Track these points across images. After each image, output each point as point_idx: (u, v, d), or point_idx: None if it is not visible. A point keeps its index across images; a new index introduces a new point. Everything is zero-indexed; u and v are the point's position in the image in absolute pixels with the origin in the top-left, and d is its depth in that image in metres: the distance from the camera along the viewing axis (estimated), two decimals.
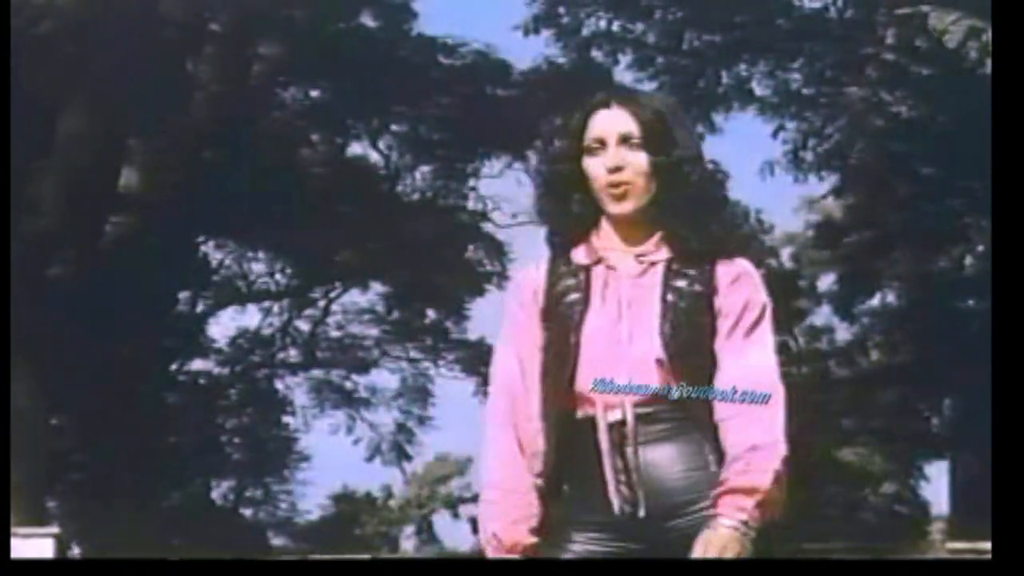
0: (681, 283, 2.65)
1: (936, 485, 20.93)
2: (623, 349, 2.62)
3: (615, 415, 2.61)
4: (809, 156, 17.29)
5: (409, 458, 20.93)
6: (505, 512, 2.66)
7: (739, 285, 2.67)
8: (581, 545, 2.62)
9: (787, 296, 19.28)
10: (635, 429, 2.59)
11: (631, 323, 2.64)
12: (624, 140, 2.67)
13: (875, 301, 20.03)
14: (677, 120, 2.70)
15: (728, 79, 16.64)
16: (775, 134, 16.93)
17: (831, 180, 18.19)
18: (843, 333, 20.97)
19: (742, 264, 2.70)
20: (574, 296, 2.69)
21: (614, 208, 2.67)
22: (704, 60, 16.40)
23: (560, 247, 2.75)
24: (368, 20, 17.20)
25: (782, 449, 2.56)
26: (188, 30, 15.75)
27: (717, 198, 2.79)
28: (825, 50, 16.38)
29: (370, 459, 20.44)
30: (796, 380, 17.79)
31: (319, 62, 16.71)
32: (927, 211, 17.04)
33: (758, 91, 16.79)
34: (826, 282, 21.01)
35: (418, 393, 20.18)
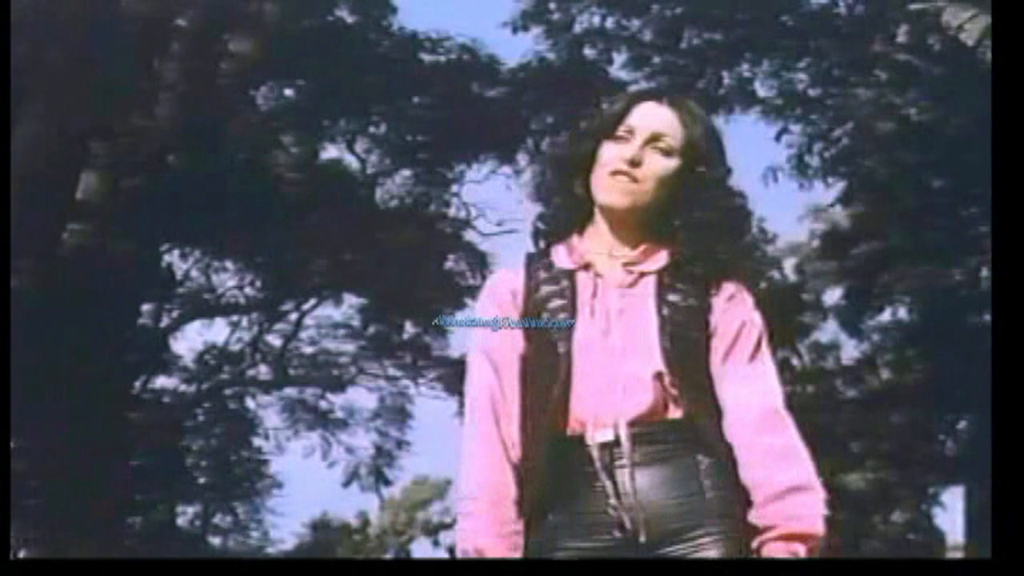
0: (675, 297, 2.67)
1: (951, 512, 21.00)
2: (616, 363, 2.62)
3: (607, 434, 2.60)
4: (815, 161, 17.23)
5: (388, 483, 21.10)
6: (488, 526, 2.64)
7: (734, 304, 2.70)
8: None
9: (790, 310, 19.47)
10: (631, 450, 2.58)
11: (623, 336, 2.64)
12: (654, 139, 2.70)
13: (885, 316, 20.03)
14: (719, 143, 2.75)
15: (729, 79, 16.60)
16: (778, 137, 16.93)
17: (838, 187, 18.16)
18: (851, 350, 21.00)
19: (735, 284, 2.72)
20: (557, 303, 2.68)
21: (606, 197, 2.69)
22: (704, 59, 16.35)
23: (545, 238, 2.76)
24: (345, 14, 17.17)
25: (822, 491, 2.59)
26: (153, 26, 15.67)
27: (741, 230, 2.82)
28: (832, 49, 16.32)
29: (347, 484, 20.49)
30: (800, 400, 18.02)
31: (293, 60, 16.65)
32: (940, 220, 17.07)
33: (761, 92, 16.75)
34: (832, 296, 21.01)
35: (397, 414, 20.14)
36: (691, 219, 2.69)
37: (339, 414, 20.20)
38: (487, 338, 2.72)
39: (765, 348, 2.70)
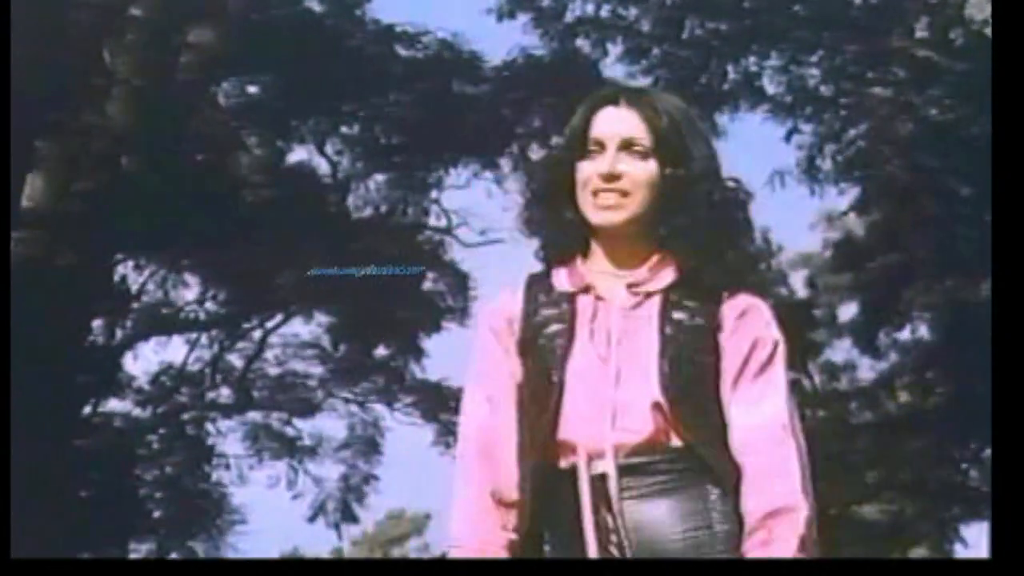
0: (680, 315, 2.70)
1: (975, 549, 20.93)
2: (612, 390, 2.65)
3: (604, 465, 2.63)
4: (827, 164, 17.20)
5: (356, 520, 20.92)
6: None
7: (747, 320, 2.72)
8: None
9: (800, 328, 19.40)
10: (619, 483, 2.60)
11: (620, 361, 2.67)
12: (627, 145, 2.73)
13: (904, 334, 20.03)
14: (695, 129, 2.79)
15: (735, 74, 16.56)
16: (788, 138, 16.89)
17: (852, 193, 18.10)
18: (866, 371, 20.98)
19: (749, 297, 2.75)
20: (556, 327, 2.72)
21: (598, 218, 2.72)
22: (708, 52, 16.32)
23: (550, 262, 2.81)
24: (315, 4, 17.19)
25: (805, 510, 2.58)
26: (105, 14, 15.70)
27: (739, 223, 2.83)
28: (847, 42, 16.34)
29: (312, 519, 20.33)
30: (811, 425, 17.77)
31: (257, 53, 16.62)
32: (965, 229, 16.99)
33: (769, 88, 16.74)
34: (847, 312, 21.01)
35: (369, 442, 20.15)
36: (687, 222, 2.72)
37: (307, 441, 20.20)
38: (482, 369, 2.79)
39: (779, 365, 2.71)
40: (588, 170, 2.74)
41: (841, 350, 21.56)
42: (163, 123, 16.59)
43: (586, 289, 2.75)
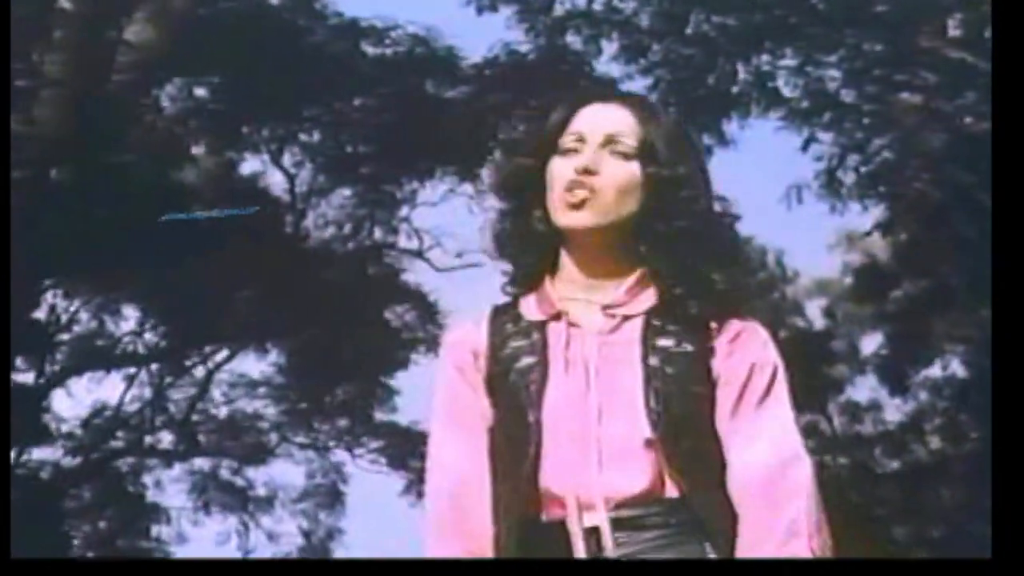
0: (666, 342, 2.69)
1: None
2: (596, 428, 2.63)
3: (592, 518, 2.61)
4: (849, 178, 17.11)
5: None
6: None
7: (742, 343, 2.72)
8: None
9: (818, 363, 19.68)
10: (613, 537, 2.60)
11: (601, 395, 2.66)
12: (609, 141, 2.75)
13: (935, 371, 20.24)
14: (688, 141, 2.82)
15: (745, 74, 16.50)
16: (805, 148, 16.77)
17: (877, 211, 17.99)
18: (893, 412, 21.16)
19: (740, 320, 2.75)
20: (527, 361, 2.72)
21: (565, 219, 2.72)
22: (714, 50, 16.25)
23: (516, 287, 2.82)
24: None
25: (802, 548, 2.58)
26: (30, 6, 15.47)
27: (726, 243, 2.83)
28: (871, 41, 16.27)
29: None
30: (831, 473, 18.83)
31: (205, 51, 16.46)
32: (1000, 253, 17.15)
33: (784, 92, 16.65)
34: (870, 345, 21.20)
35: (331, 492, 20.24)
36: (668, 233, 2.71)
37: (260, 492, 20.29)
38: (449, 410, 2.77)
39: (781, 391, 2.70)
40: (562, 166, 2.76)
41: (864, 388, 21.69)
42: (98, 130, 16.39)
43: (557, 316, 2.75)
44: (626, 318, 2.73)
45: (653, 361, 2.67)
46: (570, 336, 2.72)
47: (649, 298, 2.75)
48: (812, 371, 18.86)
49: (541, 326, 2.75)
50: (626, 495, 2.61)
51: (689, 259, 2.72)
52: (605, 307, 2.73)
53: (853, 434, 21.20)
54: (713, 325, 2.72)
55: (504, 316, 2.80)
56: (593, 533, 2.60)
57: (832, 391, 20.99)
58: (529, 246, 2.81)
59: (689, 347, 2.68)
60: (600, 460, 2.62)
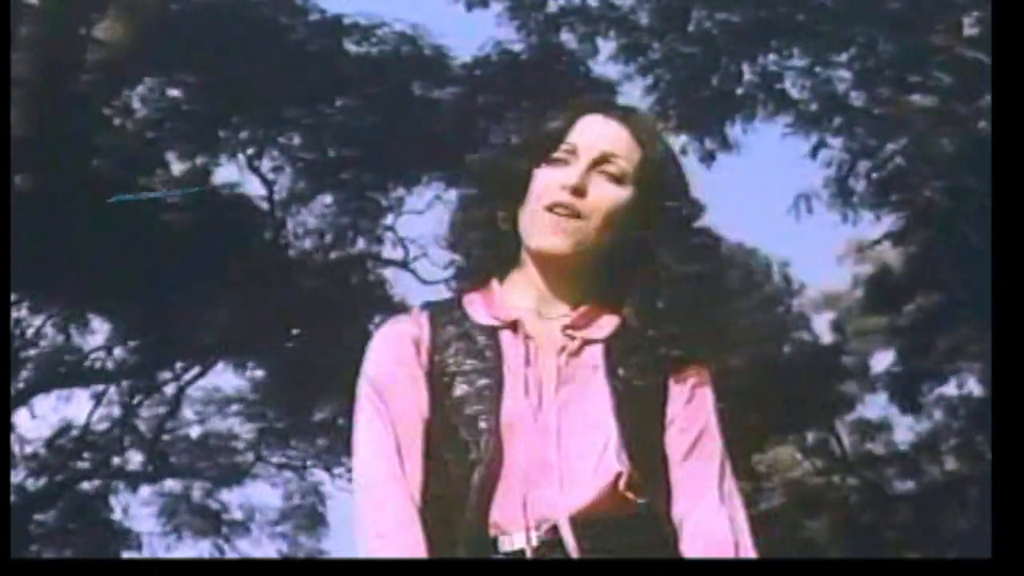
0: (626, 373, 2.72)
1: None
2: (551, 451, 2.64)
3: (546, 536, 2.62)
4: (860, 185, 17.26)
5: None
6: None
7: (698, 392, 2.75)
8: None
9: (826, 380, 19.68)
10: (584, 553, 2.61)
11: (562, 418, 2.67)
12: (602, 160, 2.74)
13: (949, 388, 20.39)
14: (677, 164, 2.83)
15: (750, 75, 16.71)
16: (814, 154, 16.91)
17: (889, 220, 18.15)
18: (905, 431, 21.38)
19: (698, 370, 2.77)
20: (473, 364, 2.72)
21: (540, 240, 2.72)
22: (717, 49, 16.40)
23: (462, 283, 2.84)
24: None
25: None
26: None
27: (706, 288, 2.82)
28: (882, 40, 16.30)
29: None
30: (840, 495, 19.15)
31: (178, 49, 16.50)
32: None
33: (792, 94, 16.78)
34: (881, 361, 21.30)
35: (310, 513, 20.29)
36: (642, 271, 2.75)
37: (236, 515, 20.34)
38: (380, 388, 2.72)
39: (727, 463, 2.74)
40: (549, 178, 2.73)
41: (875, 406, 21.91)
42: (65, 133, 16.44)
43: (511, 325, 2.74)
44: (587, 342, 2.73)
45: (619, 389, 2.69)
46: (528, 351, 2.72)
47: (609, 323, 2.76)
48: (820, 388, 18.97)
49: (491, 332, 2.74)
50: (581, 508, 2.62)
51: (665, 302, 2.74)
52: (565, 327, 2.73)
53: (864, 453, 21.40)
54: (671, 372, 2.74)
55: (445, 314, 2.79)
56: (550, 546, 2.60)
57: (841, 409, 21.11)
58: (488, 242, 2.81)
59: (645, 382, 2.72)
60: (560, 482, 2.63)
